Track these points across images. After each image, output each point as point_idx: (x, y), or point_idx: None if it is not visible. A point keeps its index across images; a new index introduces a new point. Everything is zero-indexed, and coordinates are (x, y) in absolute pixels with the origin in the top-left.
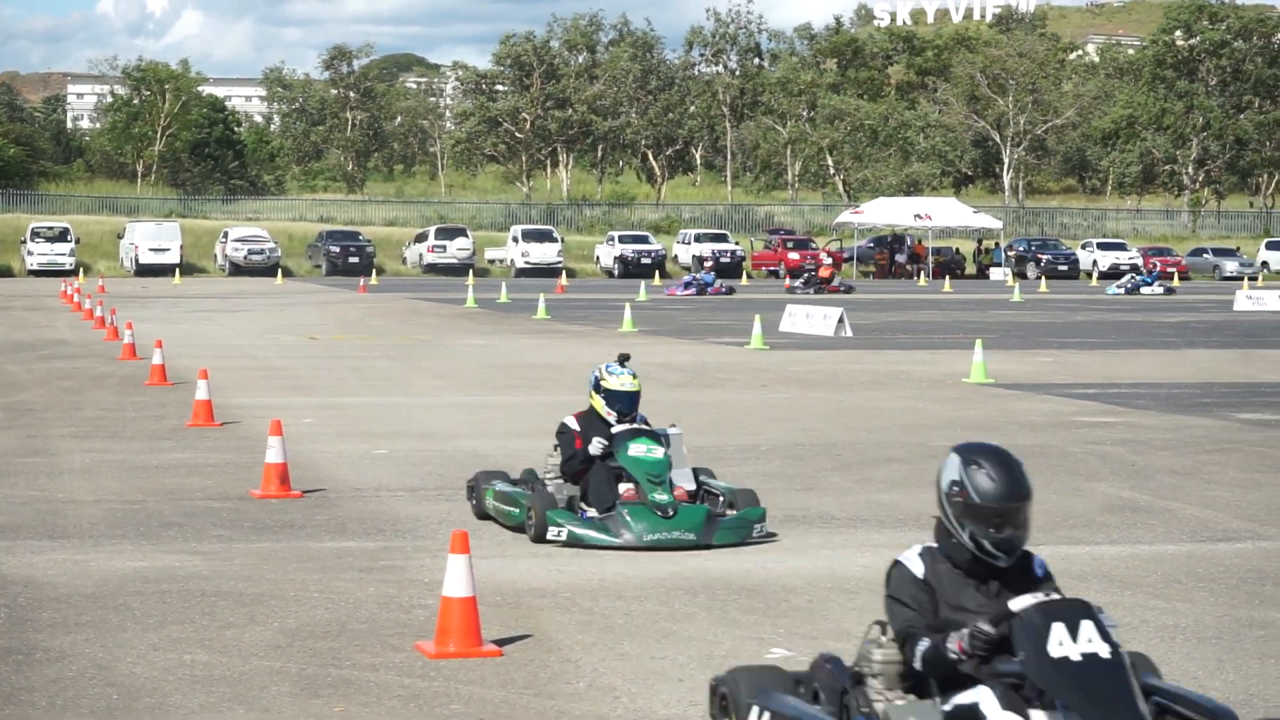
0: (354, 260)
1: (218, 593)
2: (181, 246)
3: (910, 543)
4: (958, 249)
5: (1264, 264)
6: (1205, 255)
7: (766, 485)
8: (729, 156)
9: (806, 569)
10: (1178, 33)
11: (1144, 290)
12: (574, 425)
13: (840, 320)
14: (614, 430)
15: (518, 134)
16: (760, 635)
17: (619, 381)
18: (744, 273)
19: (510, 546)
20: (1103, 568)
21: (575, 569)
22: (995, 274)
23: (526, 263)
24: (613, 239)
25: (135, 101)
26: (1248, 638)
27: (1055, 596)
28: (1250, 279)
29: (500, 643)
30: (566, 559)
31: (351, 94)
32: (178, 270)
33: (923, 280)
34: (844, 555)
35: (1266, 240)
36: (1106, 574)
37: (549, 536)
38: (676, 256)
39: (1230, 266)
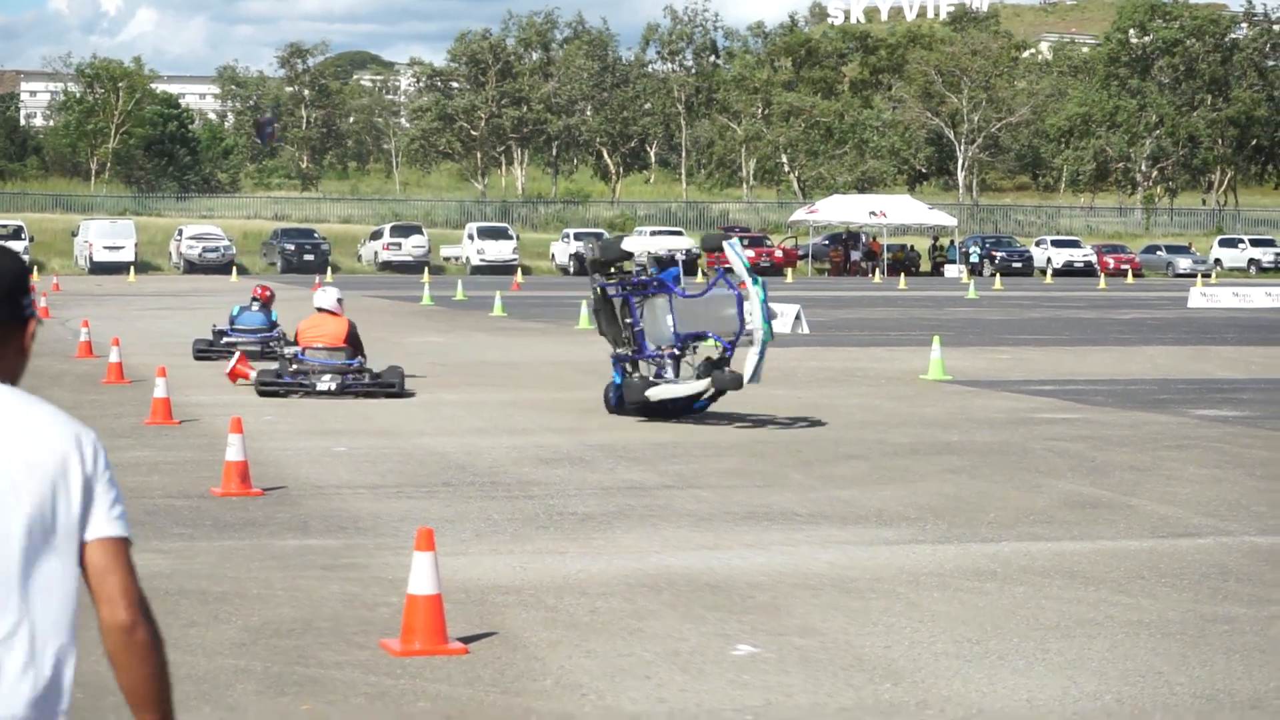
0: (309, 258)
1: (181, 591)
2: (136, 244)
3: (872, 540)
4: (912, 246)
5: (1217, 261)
6: (1159, 253)
7: (727, 482)
8: (684, 154)
9: (770, 565)
10: (1131, 31)
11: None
12: None
13: (797, 317)
14: None
15: (473, 131)
16: (725, 632)
17: None
18: (698, 270)
19: (474, 544)
20: (1065, 564)
21: (539, 566)
22: (950, 271)
23: (482, 260)
24: (568, 236)
25: (89, 99)
26: (1212, 633)
27: None
28: (1204, 276)
29: (466, 640)
30: (529, 556)
31: (306, 91)
32: (132, 268)
33: (878, 277)
34: (807, 552)
35: (1219, 238)
36: (1069, 570)
37: None
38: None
39: (1184, 264)
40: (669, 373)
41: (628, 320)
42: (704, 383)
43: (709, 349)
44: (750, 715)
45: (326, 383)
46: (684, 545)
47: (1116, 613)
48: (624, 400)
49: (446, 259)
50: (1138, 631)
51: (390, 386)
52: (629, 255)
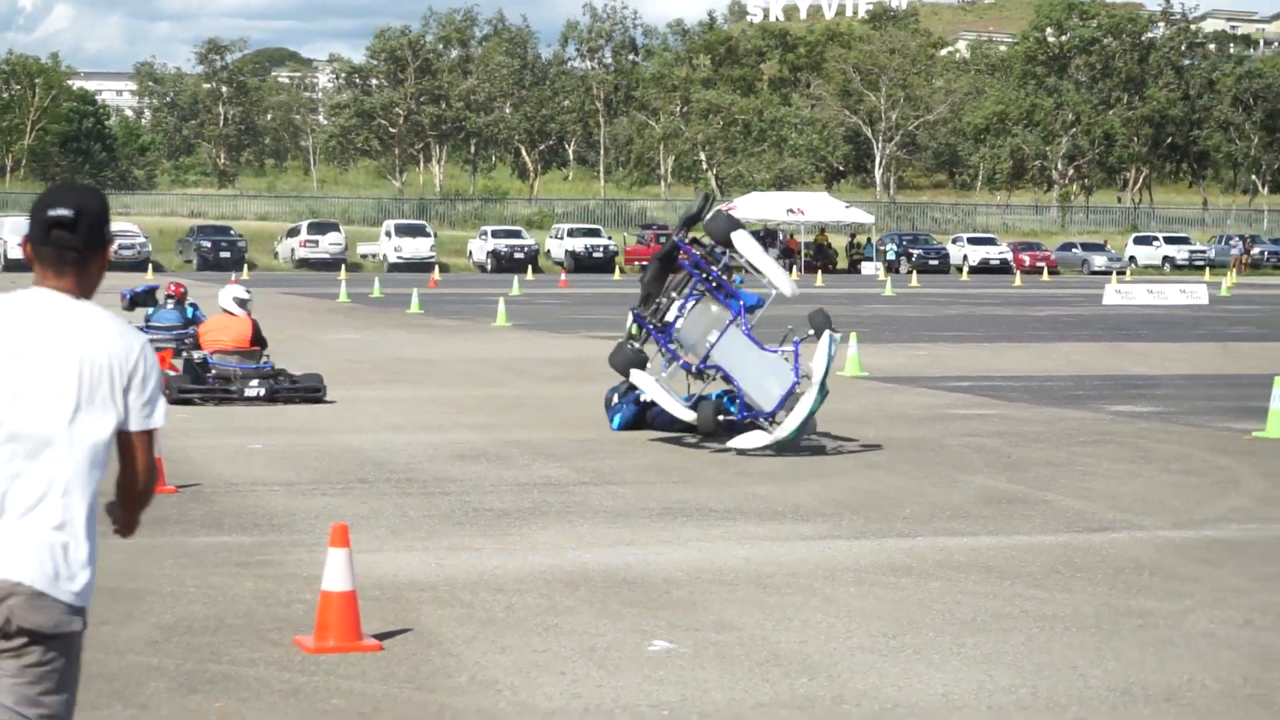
0: (225, 255)
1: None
2: None
3: (789, 535)
4: (829, 244)
5: (1132, 259)
6: (1074, 250)
7: (644, 479)
8: (602, 152)
9: (686, 561)
10: (1048, 29)
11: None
12: None
13: None
14: None
15: (391, 128)
16: (642, 627)
17: None
18: (616, 268)
19: (389, 541)
20: (980, 559)
21: (454, 562)
22: (867, 269)
23: (399, 258)
24: (485, 234)
25: (4, 96)
26: (1126, 626)
27: None
28: (1118, 273)
29: (380, 637)
30: (445, 552)
31: (224, 88)
32: None
33: (795, 275)
34: (723, 547)
35: (1134, 235)
36: (985, 565)
37: None
38: (549, 251)
39: (1099, 261)
40: (668, 374)
41: (673, 296)
42: (689, 415)
43: (717, 385)
44: (666, 711)
45: (255, 389)
46: (600, 541)
47: (1031, 607)
48: (617, 366)
49: (364, 256)
50: (1053, 625)
51: (315, 392)
52: (736, 227)
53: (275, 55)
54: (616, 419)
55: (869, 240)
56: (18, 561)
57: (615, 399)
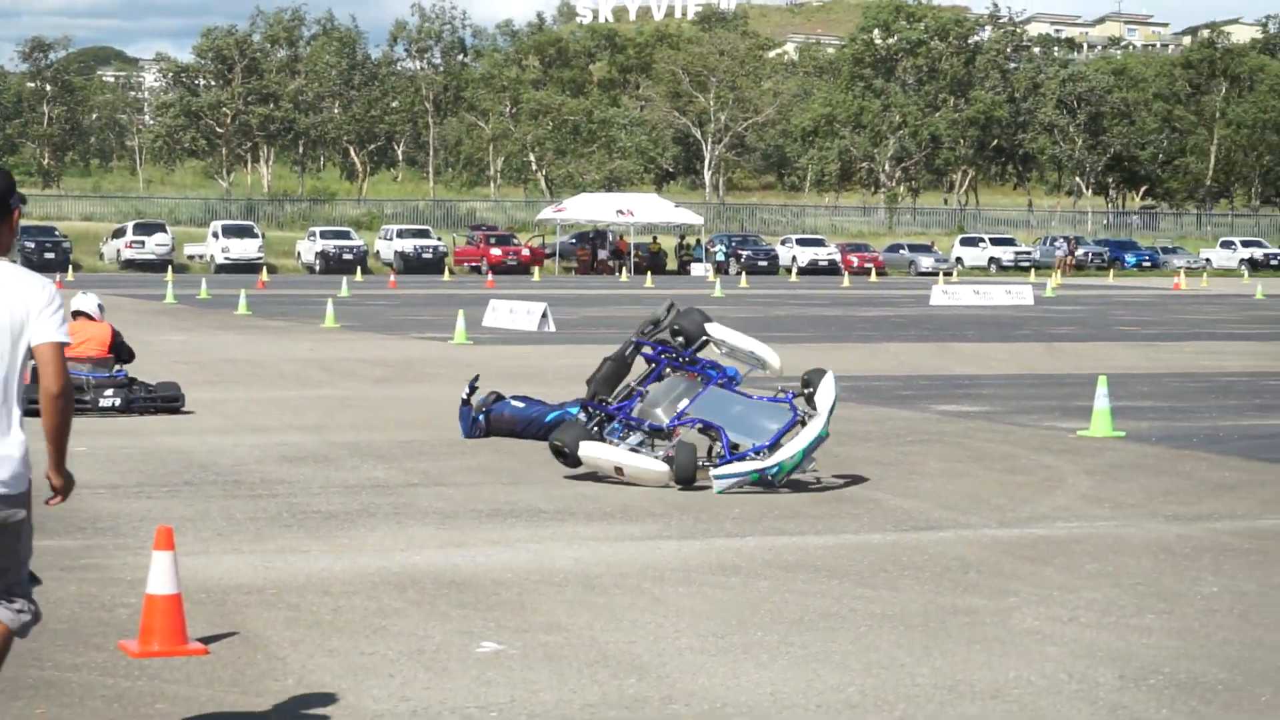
0: (50, 256)
1: None
2: None
3: (618, 535)
4: (660, 247)
5: (958, 260)
6: (902, 251)
7: (473, 480)
8: (431, 152)
9: (515, 562)
10: (876, 32)
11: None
12: None
13: (544, 315)
14: None
15: (218, 128)
16: (470, 629)
17: None
18: (446, 269)
19: (215, 543)
20: (809, 558)
21: (281, 565)
22: (696, 269)
23: (227, 258)
24: (314, 235)
25: None
26: (953, 624)
27: None
28: (945, 274)
29: (206, 640)
30: (272, 555)
31: (48, 87)
32: None
33: (625, 276)
34: (552, 548)
35: (960, 237)
36: (813, 564)
37: None
38: (378, 252)
39: (926, 262)
40: (631, 440)
41: (634, 383)
42: (661, 468)
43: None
44: (495, 712)
45: (110, 398)
46: (429, 543)
47: (859, 605)
48: (561, 442)
49: (191, 257)
50: (880, 624)
51: (173, 401)
52: (705, 344)
53: (100, 54)
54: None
55: (698, 241)
56: None
57: (470, 412)
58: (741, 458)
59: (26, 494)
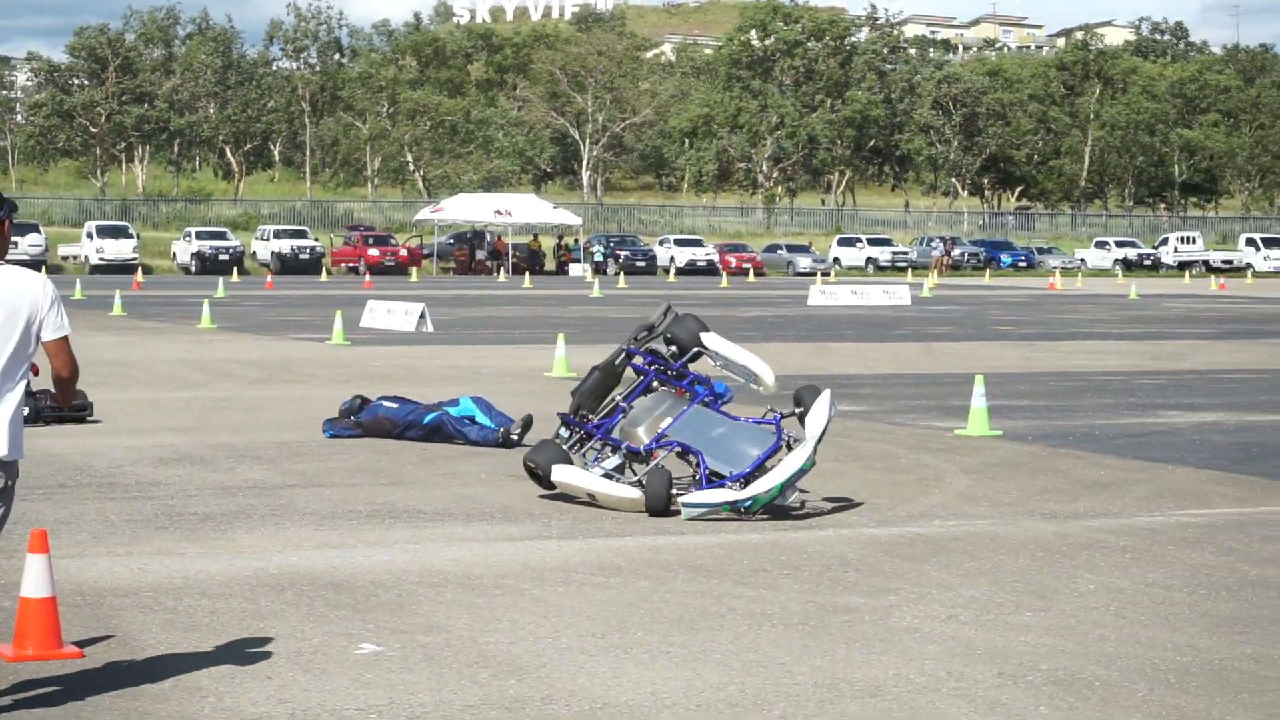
0: None
1: None
2: None
3: (497, 536)
4: (540, 247)
5: (836, 260)
6: (779, 251)
7: (350, 481)
8: (308, 152)
9: (394, 563)
10: (753, 33)
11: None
12: None
13: (422, 316)
14: None
15: (92, 128)
16: (349, 631)
17: None
18: (323, 269)
19: (90, 546)
20: (688, 557)
21: (158, 567)
22: (575, 270)
23: (101, 259)
24: (190, 235)
25: None
26: (833, 623)
27: None
28: (823, 275)
29: (81, 644)
30: (148, 557)
31: None
32: None
33: (503, 276)
34: (431, 549)
35: (838, 237)
36: (692, 563)
37: None
38: (255, 253)
39: (804, 262)
40: (608, 464)
41: (619, 397)
42: (634, 493)
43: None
44: (374, 714)
45: None
46: (307, 544)
47: (739, 605)
48: (534, 464)
49: (65, 258)
50: (760, 623)
51: (81, 411)
52: (699, 354)
53: None
54: (327, 431)
55: (575, 241)
56: None
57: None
58: (718, 486)
59: (13, 465)
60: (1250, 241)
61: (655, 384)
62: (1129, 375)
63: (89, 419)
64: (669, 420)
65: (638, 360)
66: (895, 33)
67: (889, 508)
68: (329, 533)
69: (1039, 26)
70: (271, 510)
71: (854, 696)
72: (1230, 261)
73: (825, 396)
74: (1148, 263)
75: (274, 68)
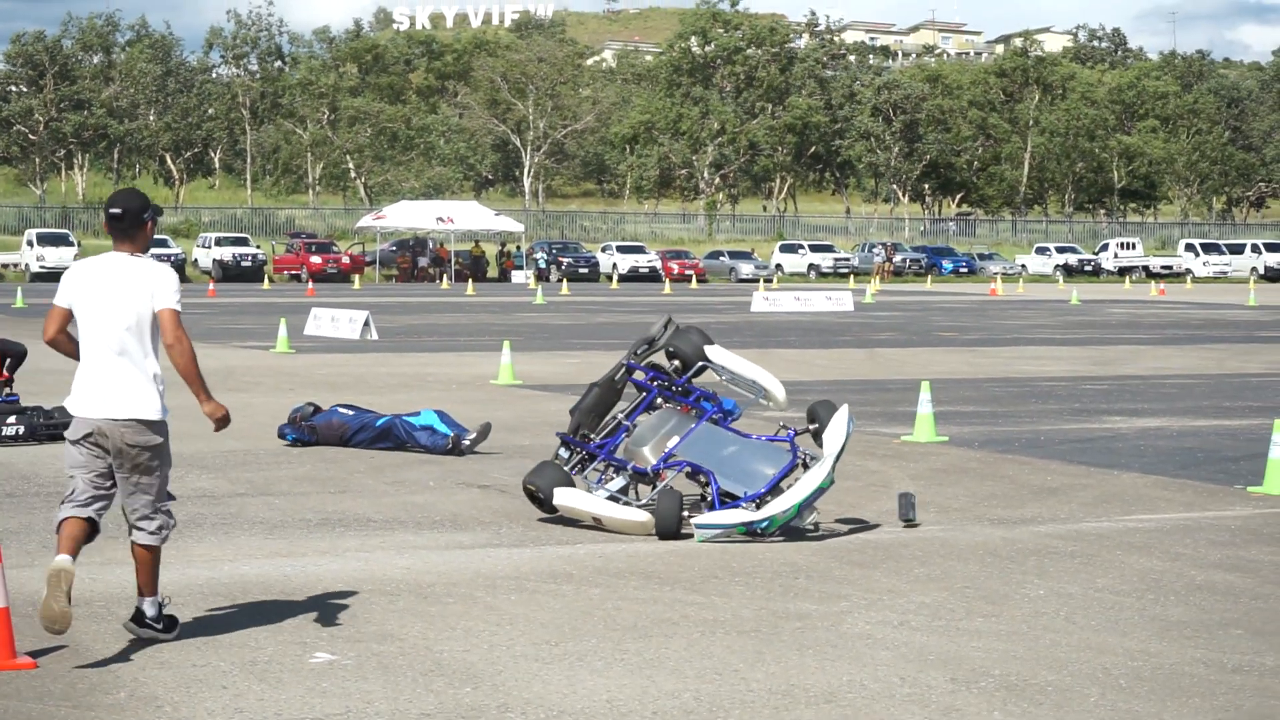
0: None
1: None
2: None
3: (448, 544)
4: (484, 253)
5: (778, 266)
6: (722, 258)
7: (299, 489)
8: (249, 160)
9: (346, 572)
10: (693, 39)
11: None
12: None
13: (366, 323)
14: None
15: (31, 136)
16: (303, 640)
17: None
18: (266, 277)
19: (41, 556)
20: (639, 564)
21: (109, 577)
22: (517, 277)
23: (42, 267)
24: None
25: None
26: (785, 629)
27: None
28: (766, 281)
29: (34, 655)
30: (99, 568)
31: None
32: None
33: (446, 283)
34: (383, 557)
35: (780, 243)
36: (644, 570)
37: None
38: (196, 260)
39: (746, 269)
40: (613, 485)
41: (621, 414)
42: (642, 516)
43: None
44: None
45: (12, 427)
46: (258, 553)
47: (692, 612)
48: (535, 486)
49: (5, 266)
50: (713, 630)
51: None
52: (704, 369)
53: None
54: (289, 435)
55: (518, 248)
56: None
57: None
58: (731, 507)
59: (161, 424)
60: (1189, 247)
61: (659, 400)
62: (1073, 381)
63: None
64: (676, 439)
65: (639, 375)
66: (835, 39)
67: (837, 514)
68: (280, 541)
69: (978, 33)
70: (221, 519)
71: (809, 703)
72: (1170, 267)
73: (843, 412)
74: (1088, 268)
75: (214, 74)
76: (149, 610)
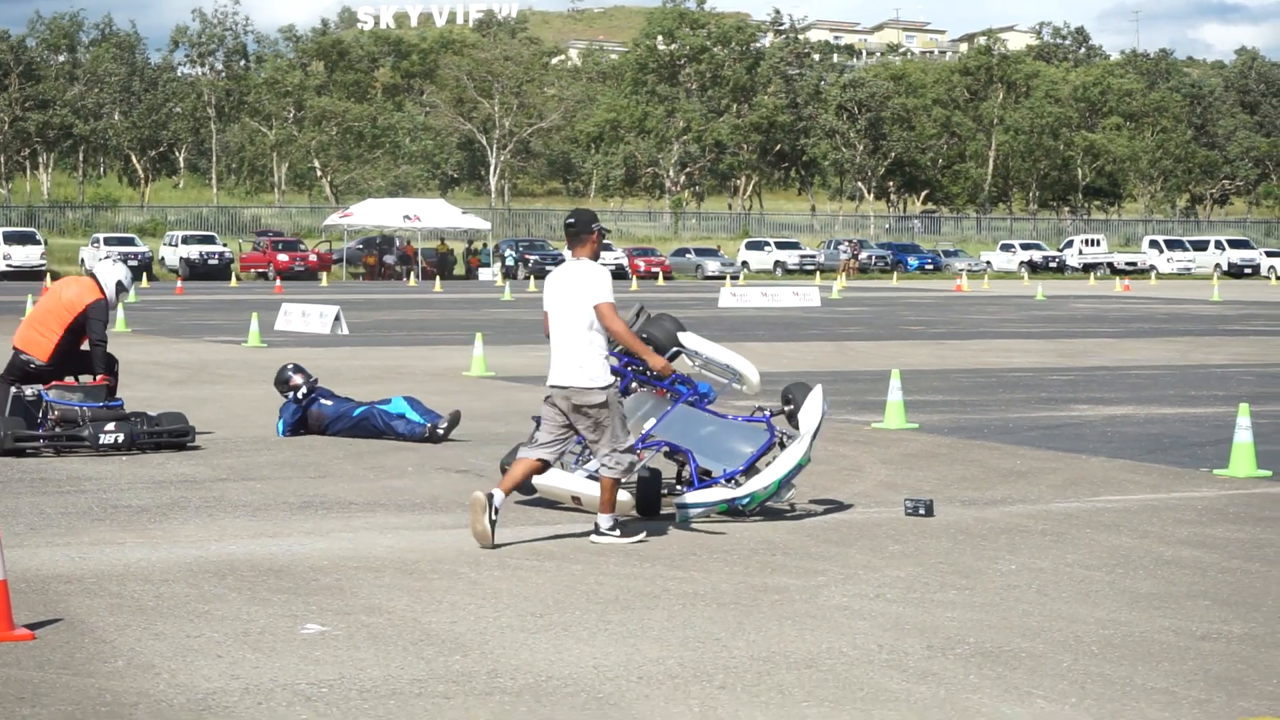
0: None
1: None
2: None
3: (430, 525)
4: (451, 250)
5: (744, 263)
6: (688, 255)
7: (280, 474)
8: (214, 158)
9: (331, 550)
10: (659, 38)
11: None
12: None
13: (337, 318)
14: None
15: None
16: (293, 612)
17: None
18: (233, 275)
19: (29, 537)
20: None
21: (98, 556)
22: (484, 274)
23: (9, 265)
24: (98, 241)
25: None
26: (764, 602)
27: None
28: (732, 278)
29: (32, 627)
30: (87, 547)
31: None
32: None
33: (413, 281)
34: (366, 537)
35: (746, 241)
36: (624, 548)
37: None
38: (164, 259)
39: (713, 266)
40: (591, 466)
41: None
42: (624, 496)
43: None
44: (325, 688)
45: (110, 434)
46: (243, 534)
47: (672, 585)
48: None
49: None
50: (694, 602)
51: (182, 436)
52: (678, 354)
53: None
54: (280, 425)
55: (484, 246)
56: None
57: (293, 406)
58: (711, 485)
59: (603, 389)
60: (1154, 244)
61: (634, 385)
62: (1039, 372)
63: (189, 445)
64: (653, 420)
65: (613, 361)
66: (800, 38)
67: (813, 495)
68: (263, 523)
69: (942, 32)
70: (205, 503)
71: (790, 668)
72: (1134, 263)
73: (817, 392)
74: (1053, 265)
75: (179, 73)
76: (604, 523)
